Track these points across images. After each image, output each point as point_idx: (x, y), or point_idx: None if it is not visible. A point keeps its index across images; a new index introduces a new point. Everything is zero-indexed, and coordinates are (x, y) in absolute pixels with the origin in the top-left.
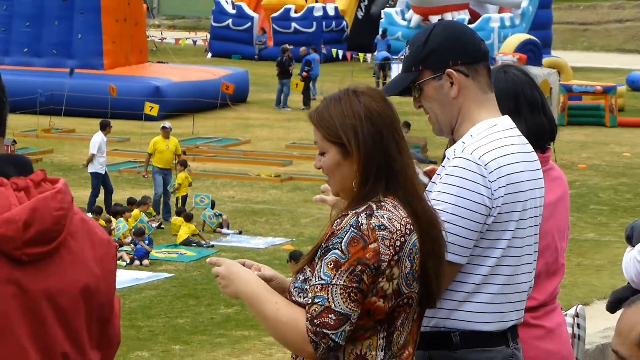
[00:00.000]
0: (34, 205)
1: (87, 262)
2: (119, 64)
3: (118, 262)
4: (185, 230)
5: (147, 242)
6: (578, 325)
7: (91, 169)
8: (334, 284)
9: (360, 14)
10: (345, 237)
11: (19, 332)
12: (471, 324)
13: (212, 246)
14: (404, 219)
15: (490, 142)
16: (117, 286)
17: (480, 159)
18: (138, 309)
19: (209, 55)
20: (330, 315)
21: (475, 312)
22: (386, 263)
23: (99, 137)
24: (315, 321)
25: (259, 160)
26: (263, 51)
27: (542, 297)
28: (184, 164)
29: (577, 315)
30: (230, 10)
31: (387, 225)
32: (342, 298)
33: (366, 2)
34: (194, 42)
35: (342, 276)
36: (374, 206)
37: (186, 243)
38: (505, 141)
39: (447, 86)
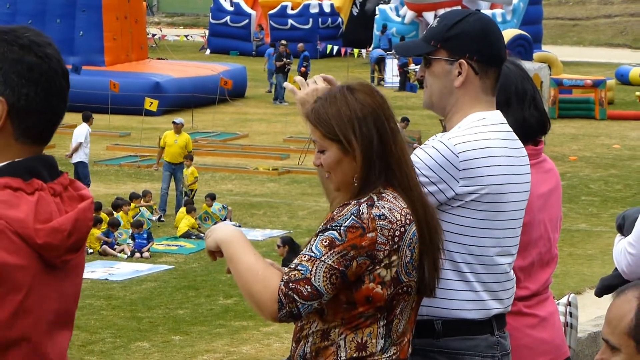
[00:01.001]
0: (76, 216)
1: (82, 266)
2: (119, 60)
3: (120, 254)
4: (185, 223)
5: (145, 235)
6: (570, 313)
7: (76, 158)
8: (323, 260)
9: (355, 11)
10: (346, 222)
11: (43, 335)
12: (453, 311)
13: None
14: (404, 209)
15: (472, 134)
16: (119, 278)
17: (455, 146)
18: (139, 300)
19: (208, 51)
20: (306, 286)
21: (456, 299)
22: (382, 252)
23: (84, 128)
24: (290, 285)
25: (257, 154)
26: (260, 47)
27: (535, 287)
28: (190, 158)
29: (569, 304)
30: (228, 7)
31: (387, 215)
32: (324, 276)
33: None
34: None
35: (333, 256)
36: (375, 197)
37: (186, 235)
38: (490, 135)
39: (455, 74)
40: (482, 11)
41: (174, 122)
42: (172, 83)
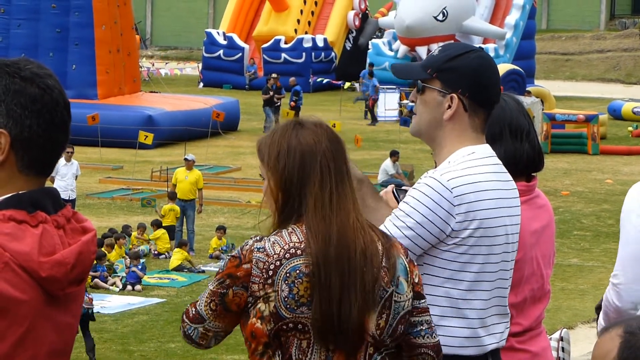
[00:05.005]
0: (80, 249)
1: (82, 296)
2: (112, 93)
3: (111, 287)
4: (177, 257)
5: (140, 267)
6: (563, 349)
7: None
8: (208, 286)
9: (348, 45)
10: (233, 252)
11: None
12: (449, 348)
13: (203, 271)
14: (290, 243)
15: (463, 169)
16: (111, 311)
17: (448, 182)
18: (130, 333)
19: (201, 85)
20: (193, 309)
21: (452, 336)
22: (257, 285)
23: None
24: (188, 307)
25: (249, 187)
26: (253, 81)
27: (527, 323)
28: (171, 197)
29: (561, 339)
30: (221, 41)
31: (266, 248)
32: (205, 301)
33: (354, 34)
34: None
35: (214, 283)
36: (282, 231)
37: (178, 269)
38: (480, 169)
39: (445, 106)
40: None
41: (185, 159)
42: (165, 116)
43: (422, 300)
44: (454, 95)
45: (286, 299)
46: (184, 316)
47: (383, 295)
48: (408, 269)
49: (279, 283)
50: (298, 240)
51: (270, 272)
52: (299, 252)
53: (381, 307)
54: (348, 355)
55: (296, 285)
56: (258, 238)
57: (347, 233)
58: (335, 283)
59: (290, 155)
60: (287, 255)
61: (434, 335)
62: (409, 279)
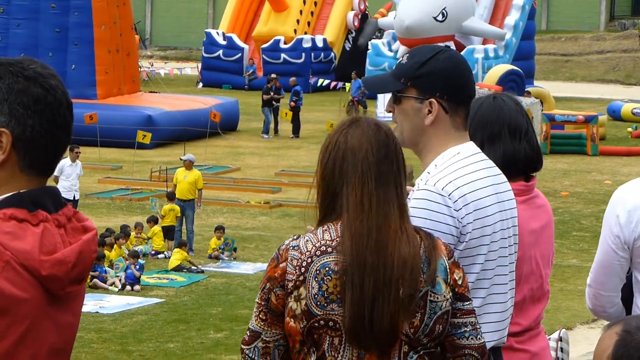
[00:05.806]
0: (80, 248)
1: (82, 296)
2: (111, 93)
3: (110, 287)
4: (177, 257)
5: (137, 267)
6: (561, 349)
7: None
8: (256, 299)
9: (348, 46)
10: (273, 255)
11: None
12: None
13: (202, 271)
14: (322, 241)
15: (453, 172)
16: (110, 311)
17: (443, 189)
18: (129, 333)
19: (200, 85)
20: (247, 332)
21: None
22: (292, 283)
23: (62, 161)
24: (244, 337)
25: (248, 188)
26: (253, 81)
27: (526, 323)
28: (170, 197)
29: (560, 339)
30: (220, 41)
31: (300, 246)
32: (255, 315)
33: (354, 34)
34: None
35: (258, 294)
36: (313, 230)
37: (177, 269)
38: (469, 168)
39: (425, 112)
40: (475, 46)
41: (181, 159)
42: (165, 116)
43: (467, 302)
44: (433, 100)
45: (316, 296)
46: (242, 345)
47: (417, 295)
48: (449, 270)
49: (310, 280)
50: (330, 238)
51: (303, 270)
52: (329, 249)
53: (415, 307)
54: (381, 353)
55: (325, 282)
56: (295, 237)
57: (387, 239)
58: (369, 287)
59: (334, 151)
60: (318, 253)
61: (479, 337)
62: (449, 280)
